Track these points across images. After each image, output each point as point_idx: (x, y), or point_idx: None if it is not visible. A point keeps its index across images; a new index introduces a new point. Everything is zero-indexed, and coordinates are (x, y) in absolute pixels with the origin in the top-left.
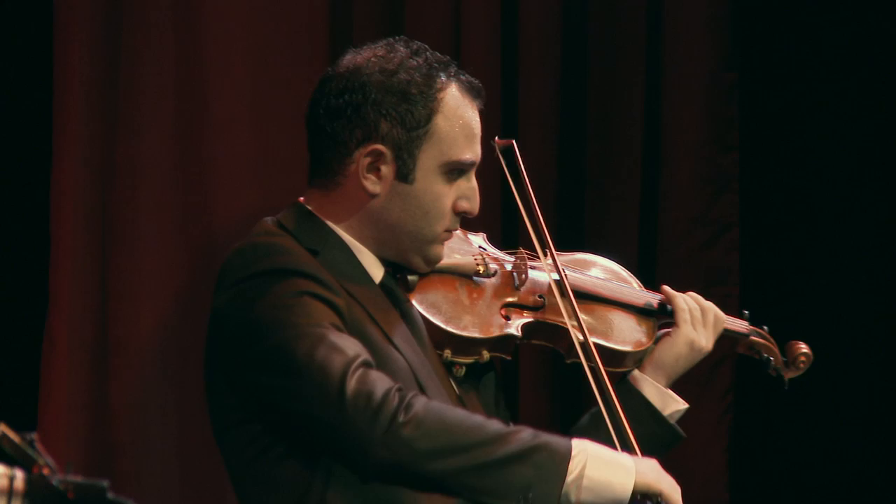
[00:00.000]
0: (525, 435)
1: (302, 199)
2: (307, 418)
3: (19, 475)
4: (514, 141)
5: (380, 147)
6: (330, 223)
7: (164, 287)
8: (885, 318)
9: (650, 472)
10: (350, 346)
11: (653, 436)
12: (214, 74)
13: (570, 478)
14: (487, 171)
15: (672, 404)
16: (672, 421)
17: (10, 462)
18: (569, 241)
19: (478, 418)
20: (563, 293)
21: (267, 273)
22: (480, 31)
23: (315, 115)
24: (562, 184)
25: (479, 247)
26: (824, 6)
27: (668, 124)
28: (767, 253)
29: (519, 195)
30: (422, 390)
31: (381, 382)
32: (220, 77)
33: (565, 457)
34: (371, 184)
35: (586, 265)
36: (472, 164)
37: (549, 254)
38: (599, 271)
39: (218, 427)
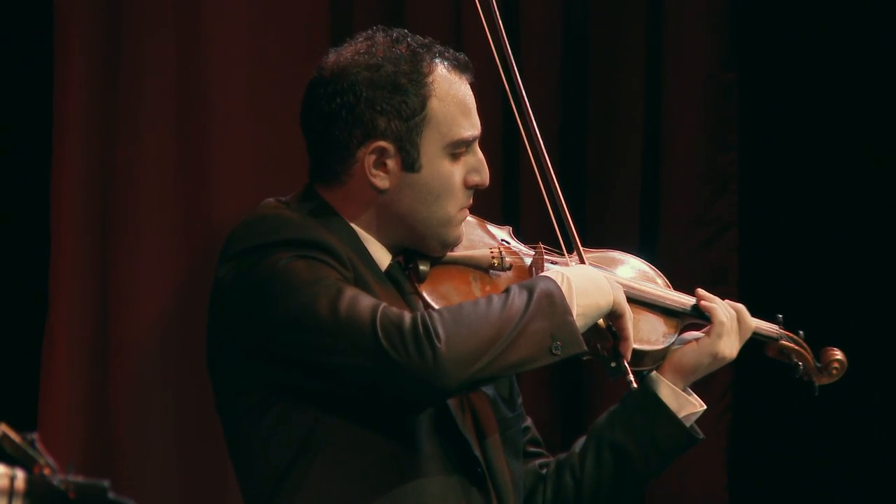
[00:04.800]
0: (516, 295)
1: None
2: (348, 370)
3: (20, 475)
4: None
5: (382, 143)
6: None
7: (163, 287)
8: (885, 318)
9: (619, 290)
10: (365, 295)
11: (668, 437)
12: (214, 74)
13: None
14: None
15: (687, 406)
16: (688, 423)
17: (11, 462)
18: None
19: (481, 306)
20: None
21: (275, 244)
22: (481, 30)
23: (309, 121)
24: (562, 184)
25: (502, 240)
26: (824, 6)
27: (667, 124)
28: (766, 253)
29: (496, 46)
30: None
31: (402, 319)
32: (220, 77)
33: (559, 294)
34: (380, 180)
35: (612, 263)
36: (474, 138)
37: (573, 244)
38: (625, 269)
39: (220, 398)
